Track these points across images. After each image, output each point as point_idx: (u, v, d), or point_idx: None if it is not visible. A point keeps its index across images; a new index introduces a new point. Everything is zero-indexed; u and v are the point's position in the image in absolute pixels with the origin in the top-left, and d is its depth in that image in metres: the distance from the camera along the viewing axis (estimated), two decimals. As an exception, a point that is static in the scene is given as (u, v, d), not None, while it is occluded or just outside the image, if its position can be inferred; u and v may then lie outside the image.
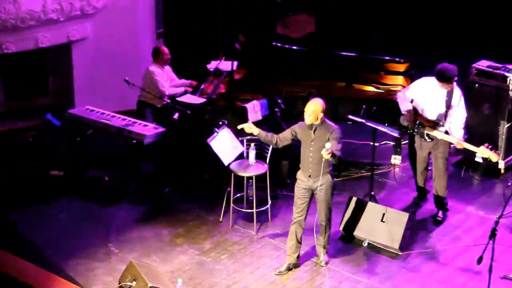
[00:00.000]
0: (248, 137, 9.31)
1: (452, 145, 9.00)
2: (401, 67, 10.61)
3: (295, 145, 8.38)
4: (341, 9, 13.22)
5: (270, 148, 9.19)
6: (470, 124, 10.33)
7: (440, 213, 9.34)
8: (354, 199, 9.02)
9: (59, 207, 9.55)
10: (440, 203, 9.34)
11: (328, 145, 7.86)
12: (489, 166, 10.27)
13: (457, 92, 8.90)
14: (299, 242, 8.33)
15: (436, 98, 8.93)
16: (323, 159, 7.90)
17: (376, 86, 10.69)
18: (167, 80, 10.59)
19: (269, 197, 9.34)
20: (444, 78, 8.73)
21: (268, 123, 9.99)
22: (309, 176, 8.13)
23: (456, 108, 8.87)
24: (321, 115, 8.00)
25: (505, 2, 13.68)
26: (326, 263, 8.48)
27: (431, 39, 13.76)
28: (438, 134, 8.92)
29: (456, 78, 8.81)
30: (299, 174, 8.27)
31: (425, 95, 8.99)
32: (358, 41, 13.02)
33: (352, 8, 13.25)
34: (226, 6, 11.78)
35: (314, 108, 7.97)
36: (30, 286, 7.81)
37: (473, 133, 10.36)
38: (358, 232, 8.90)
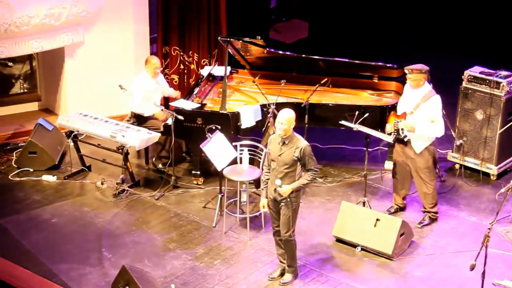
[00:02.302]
0: (241, 142, 9.33)
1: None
2: (395, 73, 10.63)
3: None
4: (334, 15, 13.25)
5: (263, 153, 9.19)
6: (463, 129, 10.40)
7: (426, 220, 9.37)
8: (347, 205, 9.03)
9: (52, 212, 9.52)
10: (425, 210, 9.39)
11: (278, 182, 7.82)
12: (482, 172, 10.33)
13: (435, 103, 8.91)
14: None
15: (408, 98, 9.09)
16: (288, 171, 7.85)
17: (369, 92, 10.71)
18: (156, 94, 10.50)
19: (262, 203, 9.35)
20: (406, 68, 8.97)
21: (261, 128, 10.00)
22: (274, 189, 7.96)
23: (433, 121, 8.92)
24: (293, 126, 7.85)
25: (499, 9, 13.73)
26: (284, 283, 8.27)
27: (425, 44, 13.81)
28: (409, 123, 8.95)
29: (414, 71, 8.92)
30: (269, 184, 8.10)
31: (404, 94, 9.23)
32: (352, 47, 13.06)
33: (345, 14, 13.27)
34: (219, 11, 11.77)
35: (288, 117, 7.77)
36: (22, 291, 7.78)
37: (466, 139, 10.42)
38: (351, 238, 8.90)
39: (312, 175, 7.87)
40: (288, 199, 7.90)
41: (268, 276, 8.37)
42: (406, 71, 9.02)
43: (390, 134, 9.16)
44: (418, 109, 8.93)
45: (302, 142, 7.84)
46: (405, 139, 9.06)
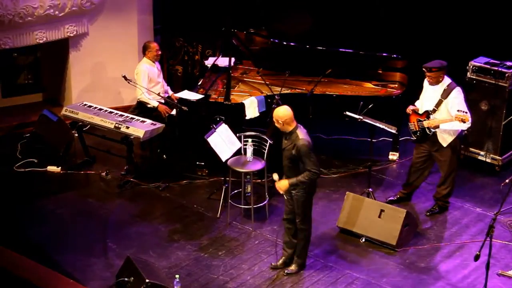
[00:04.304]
0: (246, 133, 9.32)
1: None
2: (399, 64, 10.61)
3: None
4: (338, 5, 13.20)
5: (268, 144, 9.19)
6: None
7: (437, 208, 9.39)
8: (351, 195, 9.03)
9: (57, 203, 9.54)
10: (438, 199, 9.40)
11: (275, 176, 7.89)
12: (487, 163, 10.33)
13: (456, 97, 8.87)
14: (294, 238, 8.32)
15: (429, 95, 9.04)
16: (290, 166, 7.86)
17: (374, 83, 10.69)
18: (159, 78, 10.55)
19: (266, 193, 9.35)
20: (425, 67, 8.91)
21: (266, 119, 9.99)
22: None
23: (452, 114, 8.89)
24: (291, 123, 7.79)
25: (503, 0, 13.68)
26: (288, 273, 8.29)
27: (429, 35, 13.75)
28: (434, 121, 8.92)
29: (433, 69, 8.87)
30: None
31: (424, 91, 9.15)
32: (356, 38, 13.01)
33: (350, 5, 13.23)
34: (224, 1, 11.76)
35: (277, 114, 7.77)
36: (28, 281, 7.80)
37: (470, 130, 10.40)
38: (355, 229, 8.91)
39: (309, 175, 7.75)
40: (292, 193, 7.94)
41: (271, 263, 8.37)
42: (424, 69, 8.95)
43: (415, 133, 9.14)
44: (441, 107, 8.90)
45: (300, 140, 7.74)
46: (431, 134, 9.03)
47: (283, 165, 7.97)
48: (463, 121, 8.62)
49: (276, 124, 7.87)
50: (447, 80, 8.97)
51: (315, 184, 8.01)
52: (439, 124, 8.88)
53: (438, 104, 8.91)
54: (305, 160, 7.74)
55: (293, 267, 8.31)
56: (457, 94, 8.88)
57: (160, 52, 10.51)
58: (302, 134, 7.79)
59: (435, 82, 8.93)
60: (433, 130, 8.98)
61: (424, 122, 9.00)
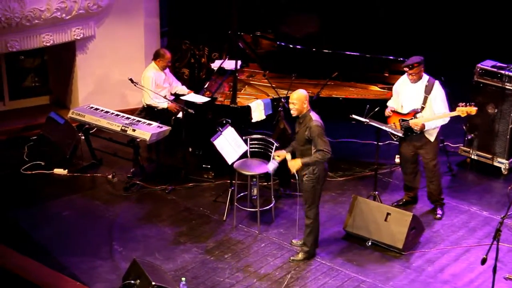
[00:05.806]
0: (252, 136, 9.32)
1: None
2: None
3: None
4: (345, 8, 13.21)
5: (274, 147, 9.19)
6: (475, 123, 10.36)
7: (439, 210, 9.38)
8: (357, 199, 9.01)
9: (63, 205, 9.55)
10: (435, 200, 9.38)
11: (288, 156, 8.18)
12: (494, 167, 10.30)
13: (438, 91, 8.92)
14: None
15: (410, 94, 9.05)
16: (303, 149, 8.08)
17: (380, 86, 10.68)
18: (165, 83, 10.55)
19: (272, 196, 9.34)
20: (406, 65, 8.97)
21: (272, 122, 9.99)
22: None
23: (437, 109, 8.92)
24: (306, 105, 8.08)
25: (509, 2, 13.67)
26: (293, 260, 8.48)
27: (436, 38, 13.76)
28: (420, 120, 8.95)
29: (415, 65, 8.91)
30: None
31: (402, 91, 9.15)
32: (362, 41, 13.02)
33: (356, 8, 13.23)
34: (230, 4, 11.76)
35: (297, 96, 8.09)
36: (34, 284, 7.81)
37: (477, 133, 10.38)
38: (361, 232, 8.89)
39: (321, 155, 7.99)
40: (304, 180, 8.14)
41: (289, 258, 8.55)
42: (406, 68, 8.97)
43: (394, 135, 9.16)
44: (427, 103, 8.92)
45: (313, 122, 8.03)
46: (416, 134, 9.04)
47: (296, 151, 8.21)
48: (468, 113, 8.71)
49: (291, 107, 8.14)
50: (425, 76, 9.02)
51: (326, 174, 8.29)
52: (426, 122, 8.90)
53: (425, 101, 8.94)
54: (317, 141, 7.98)
55: (299, 255, 8.45)
56: (439, 88, 8.94)
57: (170, 64, 10.57)
58: (314, 116, 8.10)
59: (418, 78, 8.98)
60: (417, 130, 8.98)
61: (410, 121, 8.99)
